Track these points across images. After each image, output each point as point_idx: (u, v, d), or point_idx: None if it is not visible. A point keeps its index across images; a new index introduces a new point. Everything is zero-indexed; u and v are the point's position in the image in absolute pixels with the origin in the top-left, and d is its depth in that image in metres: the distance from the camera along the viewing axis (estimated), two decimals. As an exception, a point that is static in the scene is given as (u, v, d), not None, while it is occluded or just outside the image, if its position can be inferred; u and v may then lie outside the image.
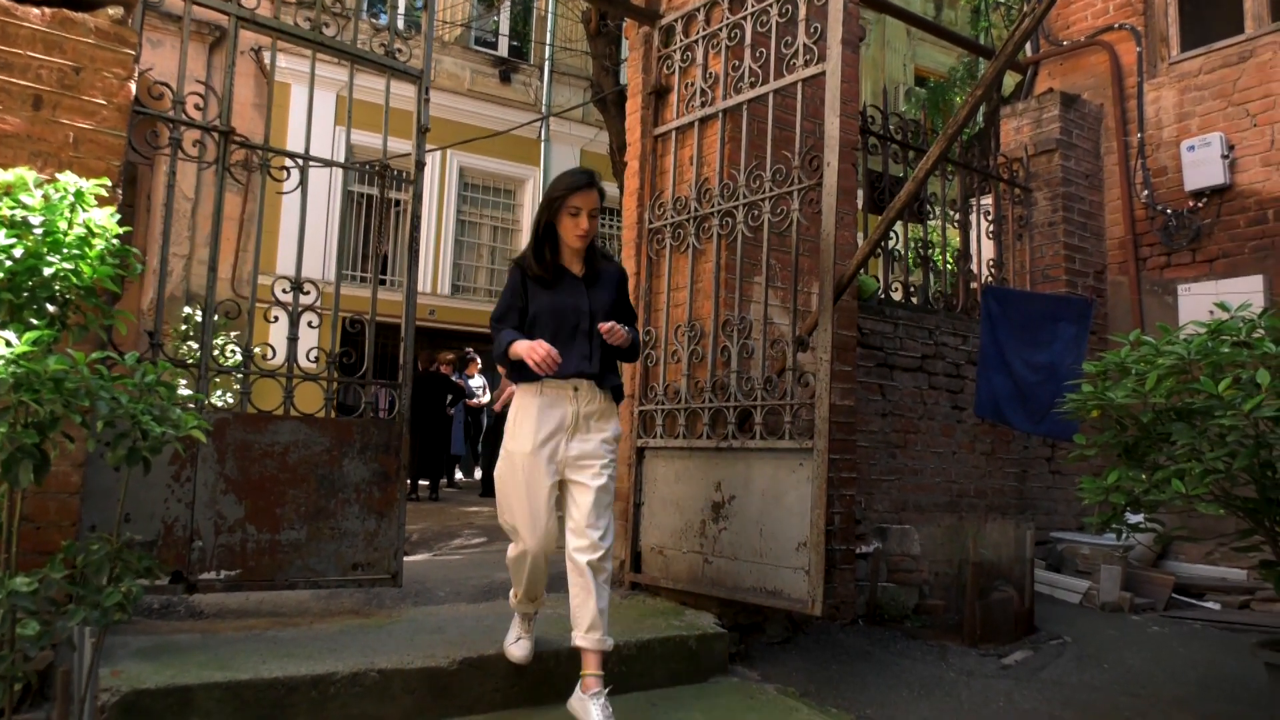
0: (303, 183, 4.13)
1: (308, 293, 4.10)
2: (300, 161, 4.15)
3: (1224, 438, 2.86)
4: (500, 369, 3.32)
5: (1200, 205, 6.54)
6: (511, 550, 3.29)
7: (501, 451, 3.18)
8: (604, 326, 3.11)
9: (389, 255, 14.16)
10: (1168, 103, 6.84)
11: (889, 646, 4.53)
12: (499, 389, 10.76)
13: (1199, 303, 6.34)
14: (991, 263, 6.65)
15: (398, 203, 13.50)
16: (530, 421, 3.13)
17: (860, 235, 5.44)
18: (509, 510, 3.17)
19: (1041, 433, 5.74)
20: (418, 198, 4.40)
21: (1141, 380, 3.04)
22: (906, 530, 5.09)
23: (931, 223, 6.51)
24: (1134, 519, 4.02)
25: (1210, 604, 5.83)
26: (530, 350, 2.96)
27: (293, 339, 4.04)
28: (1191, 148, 6.49)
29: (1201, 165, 6.42)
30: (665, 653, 3.80)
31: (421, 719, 3.19)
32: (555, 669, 3.50)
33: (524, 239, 15.13)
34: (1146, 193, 6.84)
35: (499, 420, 10.66)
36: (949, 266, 7.12)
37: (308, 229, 4.22)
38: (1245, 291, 6.04)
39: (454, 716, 3.25)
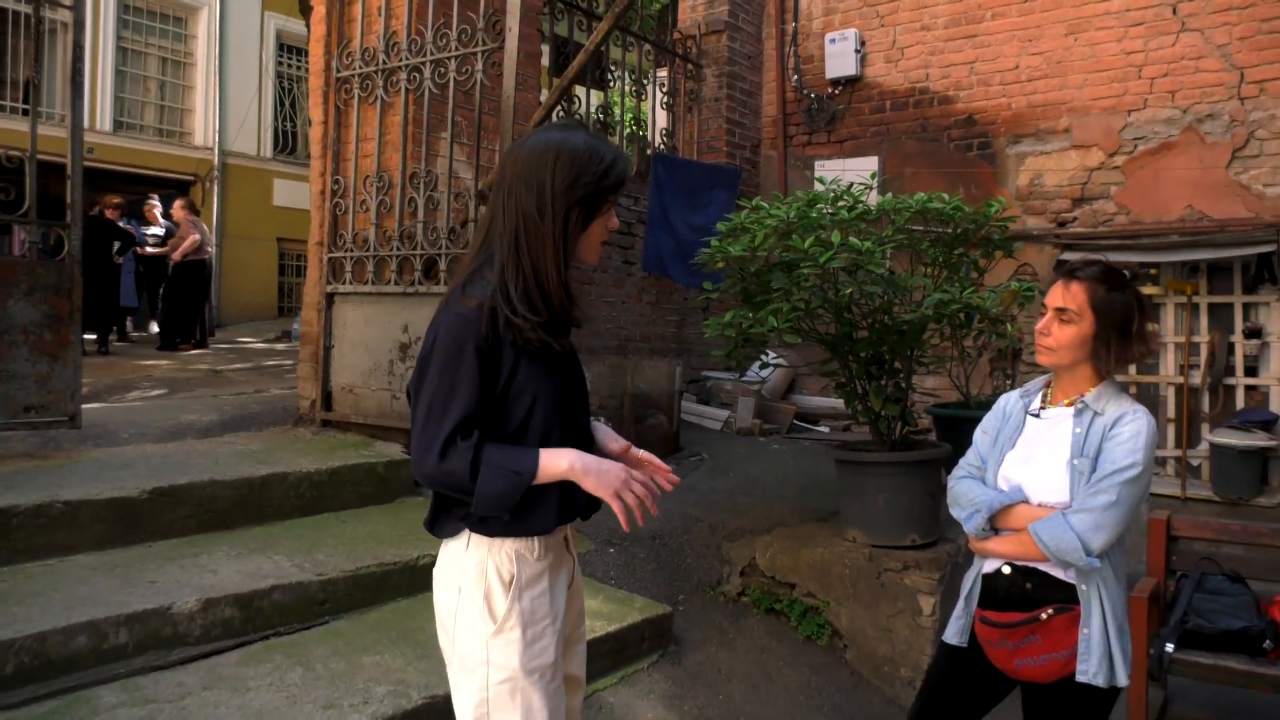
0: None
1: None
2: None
3: (807, 283, 3.65)
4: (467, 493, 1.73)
5: (837, 92, 7.56)
6: None
7: (499, 671, 1.77)
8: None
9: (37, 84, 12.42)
10: (818, -4, 7.73)
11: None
12: (177, 236, 10.12)
13: (831, 176, 7.42)
14: (664, 132, 7.31)
15: (46, 22, 11.80)
16: (546, 608, 1.83)
17: (544, 96, 5.80)
18: None
19: (695, 285, 6.57)
20: (79, 25, 4.15)
21: (753, 237, 3.74)
22: (579, 370, 5.74)
23: (612, 90, 7.00)
24: (772, 357, 4.90)
25: (823, 428, 7.13)
26: (623, 484, 1.78)
27: (-63, 172, 3.78)
28: (833, 40, 7.44)
29: (840, 57, 7.39)
30: (355, 478, 4.18)
31: (114, 546, 3.36)
32: (249, 494, 3.76)
33: (200, 74, 13.87)
34: (796, 77, 7.77)
35: (182, 272, 10.07)
36: (628, 132, 7.70)
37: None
38: (865, 169, 7.15)
39: (147, 542, 3.44)
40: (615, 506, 1.78)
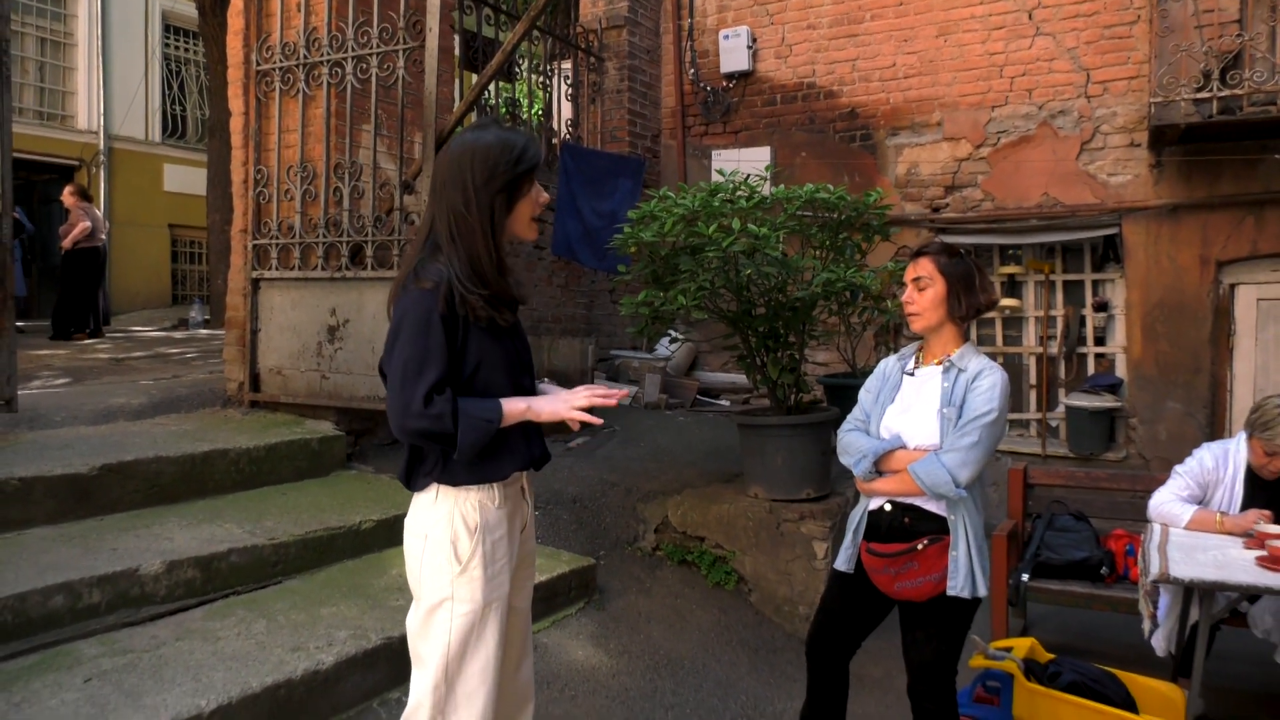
0: None
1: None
2: None
3: (711, 266, 4.06)
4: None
5: (731, 86, 8.02)
6: None
7: (464, 605, 2.07)
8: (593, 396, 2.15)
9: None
10: (712, -6, 8.16)
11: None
12: (69, 223, 9.90)
13: (728, 165, 7.88)
14: (570, 122, 7.64)
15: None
16: (504, 549, 2.13)
17: (456, 87, 6.06)
18: (473, 690, 2.10)
19: (604, 268, 6.96)
20: (3, 18, 4.22)
21: (663, 224, 4.13)
22: (495, 350, 6.04)
23: (519, 81, 7.29)
24: (674, 334, 5.30)
25: (723, 402, 7.62)
26: (555, 402, 2.14)
27: None
28: (726, 36, 7.88)
29: (733, 52, 7.84)
30: (291, 453, 4.41)
31: (66, 520, 3.53)
32: (192, 470, 3.97)
33: (81, 55, 13.45)
34: (693, 71, 8.20)
35: (74, 259, 9.87)
36: (535, 122, 7.99)
37: None
38: (758, 159, 7.65)
39: (98, 515, 3.62)
40: (573, 417, 2.10)
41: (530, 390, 2.22)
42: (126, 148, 13.74)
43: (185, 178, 14.15)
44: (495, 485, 2.12)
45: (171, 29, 14.45)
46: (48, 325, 10.63)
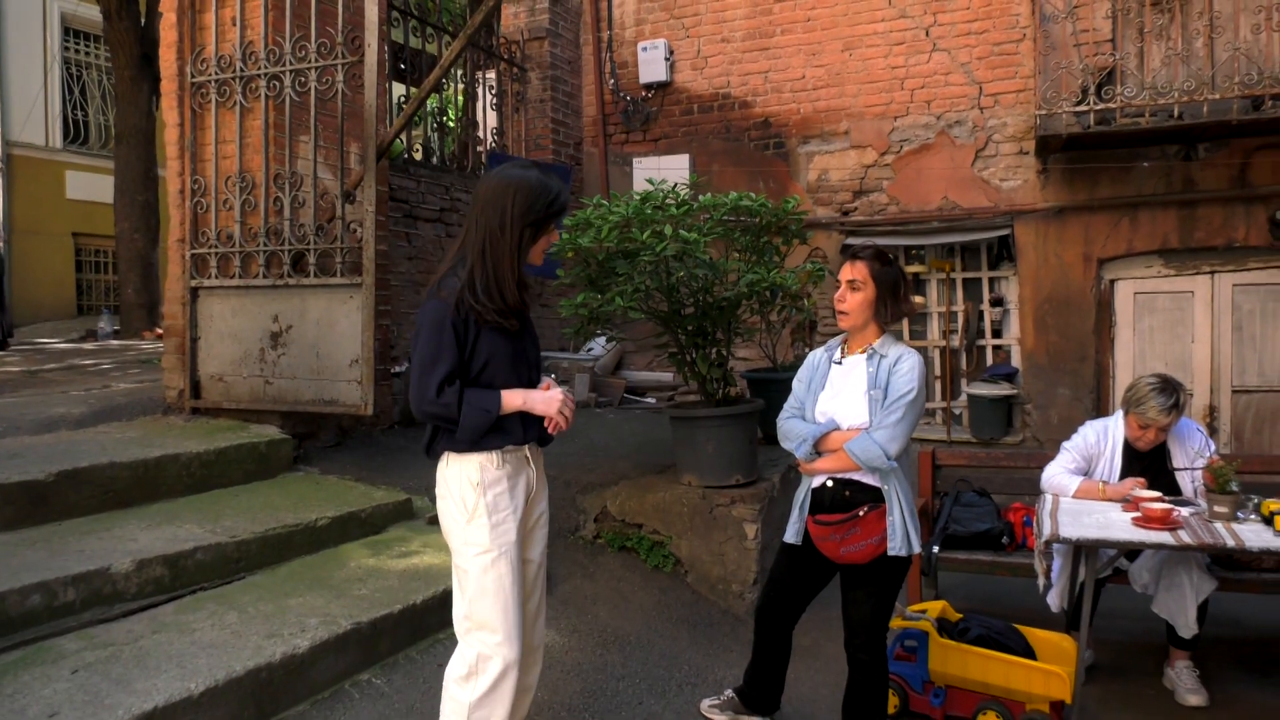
0: None
1: None
2: None
3: (645, 269, 4.35)
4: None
5: (650, 96, 8.35)
6: (482, 679, 2.52)
7: (474, 548, 2.51)
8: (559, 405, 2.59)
9: None
10: (630, 7, 8.47)
11: (420, 441, 5.68)
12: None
13: (648, 173, 8.20)
14: (495, 131, 7.84)
15: None
16: (506, 500, 2.55)
17: (387, 98, 6.19)
18: (491, 622, 2.52)
19: (534, 273, 7.18)
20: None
21: (599, 231, 4.39)
22: (431, 353, 6.21)
23: (445, 92, 7.45)
24: (601, 336, 5.55)
25: (650, 399, 7.92)
26: (548, 401, 2.56)
27: None
28: (645, 48, 8.20)
29: (651, 64, 8.17)
30: (240, 457, 4.53)
31: (25, 526, 3.59)
32: (145, 475, 4.06)
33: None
34: (613, 81, 8.49)
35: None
36: (460, 131, 8.16)
37: None
38: (677, 166, 7.99)
39: (56, 520, 3.70)
40: (557, 421, 2.59)
41: (534, 383, 2.65)
42: (26, 154, 13.31)
43: (89, 185, 13.79)
44: (494, 451, 2.53)
45: (72, 32, 14.06)
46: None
